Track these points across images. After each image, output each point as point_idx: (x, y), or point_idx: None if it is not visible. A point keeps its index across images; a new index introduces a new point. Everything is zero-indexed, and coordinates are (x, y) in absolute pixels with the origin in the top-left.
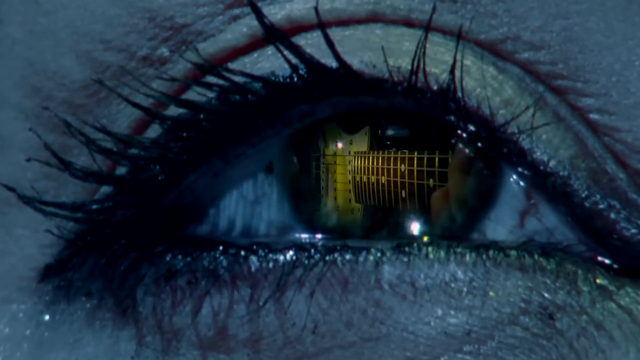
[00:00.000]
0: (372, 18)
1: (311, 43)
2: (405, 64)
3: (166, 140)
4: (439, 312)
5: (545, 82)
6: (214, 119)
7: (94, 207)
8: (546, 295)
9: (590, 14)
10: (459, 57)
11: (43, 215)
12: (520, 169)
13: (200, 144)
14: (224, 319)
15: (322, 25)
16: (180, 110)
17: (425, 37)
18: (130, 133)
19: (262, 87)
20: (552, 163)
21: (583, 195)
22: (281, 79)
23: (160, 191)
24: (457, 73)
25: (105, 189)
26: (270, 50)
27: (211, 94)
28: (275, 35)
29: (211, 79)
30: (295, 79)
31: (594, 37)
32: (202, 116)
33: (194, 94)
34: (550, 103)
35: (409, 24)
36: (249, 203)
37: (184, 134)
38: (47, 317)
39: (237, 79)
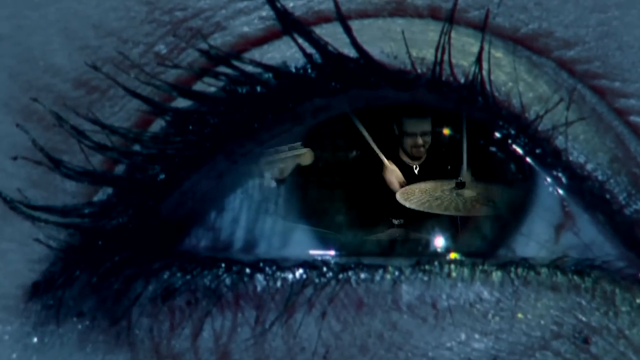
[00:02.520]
0: (395, 13)
1: (327, 32)
2: (429, 55)
3: (166, 135)
4: (463, 336)
5: (581, 81)
6: (219, 112)
7: (87, 211)
8: (580, 316)
9: (630, 7)
10: (488, 48)
11: (31, 221)
12: (554, 172)
13: (204, 140)
14: (226, 342)
15: (338, 7)
16: (183, 103)
17: (451, 23)
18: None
19: (273, 78)
20: (589, 166)
21: (623, 202)
22: (294, 69)
23: (160, 193)
24: (486, 65)
25: (99, 196)
26: (282, 41)
27: (217, 85)
28: (289, 21)
29: (218, 69)
30: (309, 70)
31: (634, 32)
32: (206, 109)
33: (197, 87)
34: (589, 100)
35: (434, 16)
36: (255, 208)
37: (186, 128)
38: (35, 340)
39: (246, 69)
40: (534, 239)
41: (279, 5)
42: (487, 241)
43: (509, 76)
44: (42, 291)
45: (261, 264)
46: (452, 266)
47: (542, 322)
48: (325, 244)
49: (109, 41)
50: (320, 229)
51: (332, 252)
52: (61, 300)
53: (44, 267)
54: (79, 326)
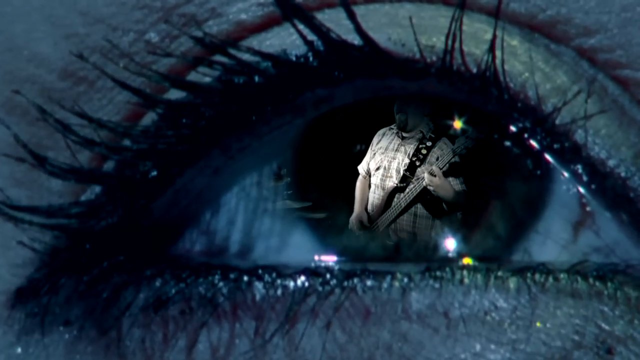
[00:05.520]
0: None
1: (330, 18)
2: (439, 42)
3: (158, 129)
4: (477, 347)
5: (603, 71)
6: (214, 104)
7: (74, 211)
8: (603, 325)
9: None
10: (503, 36)
11: (14, 223)
12: (574, 169)
13: (198, 134)
14: (224, 355)
15: None
16: (176, 94)
17: (462, 8)
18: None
19: (272, 67)
20: (611, 162)
21: None
22: (294, 58)
23: (151, 192)
24: (500, 54)
25: (87, 195)
26: (281, 27)
27: (212, 75)
28: (289, 7)
29: (213, 58)
30: (311, 58)
31: None
32: (200, 100)
33: (191, 77)
34: (611, 92)
35: (445, 1)
36: (253, 207)
37: (179, 121)
38: (19, 350)
39: (243, 57)
40: (551, 238)
41: None
42: (502, 241)
43: (524, 66)
44: (26, 298)
45: (260, 271)
46: (465, 272)
47: (562, 331)
48: (327, 246)
49: (97, 29)
50: (322, 229)
51: (335, 257)
52: (46, 307)
53: (28, 271)
54: (66, 336)
